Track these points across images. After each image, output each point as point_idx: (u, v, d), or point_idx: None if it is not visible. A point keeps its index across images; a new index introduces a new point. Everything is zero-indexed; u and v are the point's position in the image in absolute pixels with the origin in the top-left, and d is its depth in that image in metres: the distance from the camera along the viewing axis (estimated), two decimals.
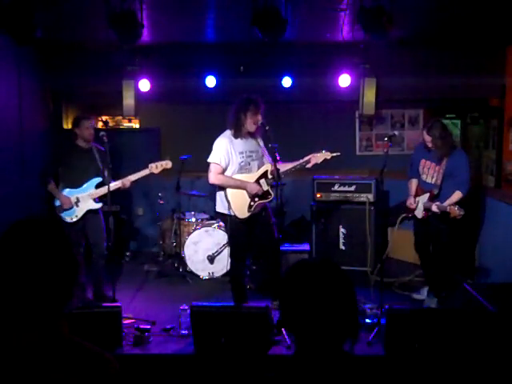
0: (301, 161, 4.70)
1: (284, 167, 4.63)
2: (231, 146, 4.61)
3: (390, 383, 1.46)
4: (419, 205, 4.91)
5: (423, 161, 4.97)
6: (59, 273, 1.38)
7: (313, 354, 1.46)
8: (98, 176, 5.07)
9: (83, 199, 5.00)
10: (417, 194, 5.01)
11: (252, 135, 4.71)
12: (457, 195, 4.68)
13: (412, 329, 3.72)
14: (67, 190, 5.04)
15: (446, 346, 3.65)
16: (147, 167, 5.03)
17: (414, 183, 5.09)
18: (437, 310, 4.66)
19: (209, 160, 4.64)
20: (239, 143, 4.65)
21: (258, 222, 4.76)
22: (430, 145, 4.80)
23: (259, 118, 4.55)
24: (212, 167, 4.62)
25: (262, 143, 4.79)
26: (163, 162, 5.06)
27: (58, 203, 4.99)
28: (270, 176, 4.67)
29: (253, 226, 4.74)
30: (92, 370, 1.34)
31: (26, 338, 1.34)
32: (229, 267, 4.98)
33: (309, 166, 4.69)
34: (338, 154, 4.67)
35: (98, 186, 5.05)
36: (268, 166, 4.71)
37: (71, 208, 4.97)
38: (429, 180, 4.93)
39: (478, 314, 3.83)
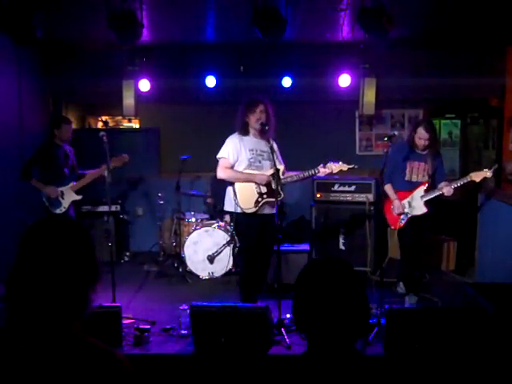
0: (310, 171, 4.58)
1: (288, 174, 4.67)
2: (241, 143, 4.60)
3: (390, 383, 1.46)
4: (417, 202, 4.90)
5: (411, 162, 4.94)
6: (78, 275, 1.35)
7: (325, 352, 1.47)
8: (72, 172, 5.53)
9: (67, 192, 5.44)
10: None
11: (262, 137, 4.65)
12: (445, 182, 4.84)
13: (412, 329, 3.72)
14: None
15: (445, 345, 3.65)
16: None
17: (391, 188, 5.02)
18: (437, 309, 4.66)
19: (217, 156, 4.62)
20: (249, 141, 4.63)
21: (267, 229, 4.61)
22: (425, 142, 4.78)
23: (259, 115, 4.52)
24: (220, 162, 4.61)
25: (275, 146, 4.71)
26: (121, 156, 5.40)
27: (44, 199, 5.37)
28: (281, 176, 4.58)
29: (263, 230, 4.61)
30: (103, 369, 1.33)
31: (37, 336, 1.33)
32: (229, 267, 4.95)
33: (320, 174, 4.60)
34: (356, 166, 4.61)
35: (76, 180, 5.51)
36: (281, 167, 4.66)
37: (58, 200, 5.39)
38: (420, 179, 4.94)
39: (477, 313, 3.83)
